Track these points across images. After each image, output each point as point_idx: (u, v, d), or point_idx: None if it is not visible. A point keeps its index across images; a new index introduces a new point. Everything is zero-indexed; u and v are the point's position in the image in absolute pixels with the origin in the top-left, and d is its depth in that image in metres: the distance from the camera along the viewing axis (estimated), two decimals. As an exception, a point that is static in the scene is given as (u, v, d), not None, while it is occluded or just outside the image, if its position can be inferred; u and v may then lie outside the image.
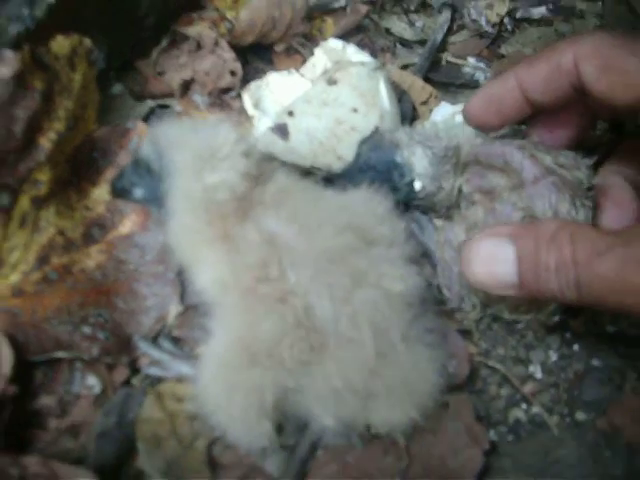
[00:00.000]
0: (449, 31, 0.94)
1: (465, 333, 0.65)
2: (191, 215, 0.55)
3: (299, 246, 0.52)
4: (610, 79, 0.53)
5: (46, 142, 0.62)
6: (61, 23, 0.69)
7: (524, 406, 0.63)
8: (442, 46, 0.92)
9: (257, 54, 0.86)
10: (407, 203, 0.64)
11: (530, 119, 0.63)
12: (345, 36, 0.88)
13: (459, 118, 0.74)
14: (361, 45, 0.88)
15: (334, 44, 0.76)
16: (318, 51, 0.77)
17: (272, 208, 0.54)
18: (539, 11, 0.99)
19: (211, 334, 0.56)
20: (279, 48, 0.86)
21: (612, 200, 0.59)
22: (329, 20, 0.90)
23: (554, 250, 0.47)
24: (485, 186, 0.62)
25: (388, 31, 0.93)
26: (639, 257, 0.44)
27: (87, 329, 0.62)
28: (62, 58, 0.64)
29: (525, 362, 0.65)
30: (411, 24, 0.94)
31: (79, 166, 0.68)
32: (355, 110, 0.69)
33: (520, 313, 0.63)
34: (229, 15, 0.88)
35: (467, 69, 0.90)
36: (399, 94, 0.79)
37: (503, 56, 0.94)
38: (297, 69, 0.80)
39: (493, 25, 0.95)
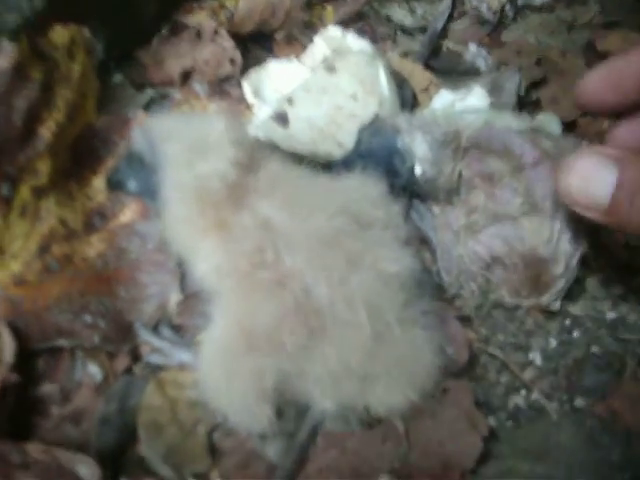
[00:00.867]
0: (450, 18, 0.94)
1: (465, 319, 0.65)
2: (184, 205, 0.56)
3: (294, 230, 0.53)
4: None
5: (46, 132, 0.63)
6: (60, 13, 0.69)
7: (523, 392, 0.63)
8: (443, 33, 0.92)
9: (257, 42, 0.86)
10: (408, 189, 0.64)
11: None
12: (345, 23, 0.88)
13: (459, 105, 0.74)
14: (361, 32, 0.88)
15: (334, 32, 0.76)
16: (318, 39, 0.77)
17: (265, 195, 0.55)
18: (541, -2, 0.99)
19: (211, 321, 0.56)
20: (279, 36, 0.86)
21: None
22: (329, 7, 0.90)
23: None
24: (485, 170, 0.62)
25: (388, 18, 0.93)
26: None
27: (88, 317, 0.62)
28: (61, 48, 0.64)
29: (525, 349, 0.65)
30: (412, 11, 0.94)
31: (80, 155, 0.69)
32: (354, 97, 0.69)
33: (521, 298, 0.64)
34: (228, 4, 0.87)
35: (468, 56, 0.90)
36: (399, 81, 0.79)
37: (504, 43, 0.93)
38: (297, 57, 0.80)
39: (494, 12, 0.94)
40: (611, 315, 0.67)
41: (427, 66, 0.86)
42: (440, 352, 0.58)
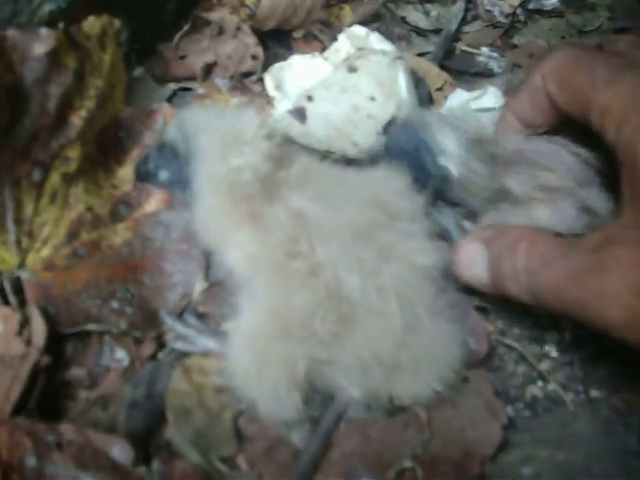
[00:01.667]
0: (463, 21, 0.96)
1: (483, 311, 0.66)
2: (217, 197, 0.57)
3: (326, 222, 0.54)
4: (565, 95, 0.56)
5: (77, 119, 0.64)
6: (90, 3, 0.70)
7: (540, 383, 0.64)
8: (456, 35, 0.94)
9: (276, 39, 0.88)
10: (437, 189, 0.62)
11: None
12: (362, 24, 0.89)
13: (474, 104, 0.76)
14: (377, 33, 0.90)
15: (358, 31, 0.78)
16: (342, 37, 0.79)
17: (297, 188, 0.56)
18: (551, 2, 1.01)
19: (240, 310, 0.57)
20: (298, 34, 0.88)
21: None
22: (347, 7, 0.91)
23: (510, 258, 0.53)
24: (545, 185, 0.62)
25: (404, 20, 0.94)
26: (573, 271, 0.48)
27: (115, 303, 0.63)
28: (93, 38, 0.65)
29: (540, 342, 0.67)
30: (426, 13, 0.96)
31: (106, 145, 0.70)
32: (373, 98, 0.70)
33: None
34: (248, 2, 0.89)
35: (481, 58, 0.92)
36: (416, 81, 0.80)
37: (516, 46, 0.95)
38: (319, 53, 0.82)
39: (506, 16, 0.96)
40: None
41: (441, 67, 0.88)
42: (462, 343, 0.59)
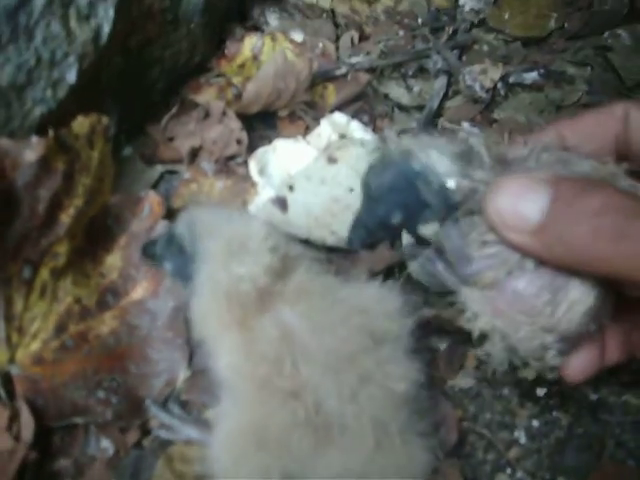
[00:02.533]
0: (445, 96, 0.99)
1: (456, 398, 0.69)
2: (214, 300, 0.59)
3: (313, 343, 0.56)
4: None
5: (66, 218, 0.67)
6: (79, 99, 0.73)
7: (509, 471, 0.67)
8: (438, 111, 0.97)
9: (261, 119, 0.91)
10: (446, 212, 0.51)
11: None
12: (345, 103, 0.93)
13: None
14: (360, 111, 0.93)
15: (339, 118, 0.81)
16: (324, 122, 0.82)
17: (290, 302, 0.58)
18: (531, 76, 1.04)
19: (224, 412, 0.60)
20: (283, 113, 0.91)
21: None
22: (330, 87, 0.94)
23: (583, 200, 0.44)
24: None
25: (387, 96, 0.98)
26: None
27: (101, 393, 0.66)
28: (82, 137, 0.68)
29: (510, 427, 0.69)
30: (409, 89, 0.99)
31: (94, 234, 0.73)
32: (352, 190, 0.73)
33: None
34: (235, 81, 0.92)
35: (462, 134, 0.95)
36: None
37: (496, 121, 0.98)
38: (301, 135, 0.85)
39: (487, 90, 0.99)
40: (592, 397, 0.71)
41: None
42: (432, 434, 0.62)
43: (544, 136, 0.55)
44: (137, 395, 0.67)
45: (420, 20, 1.14)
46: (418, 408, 0.59)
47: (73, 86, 0.71)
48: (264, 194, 0.78)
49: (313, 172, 0.75)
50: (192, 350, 0.70)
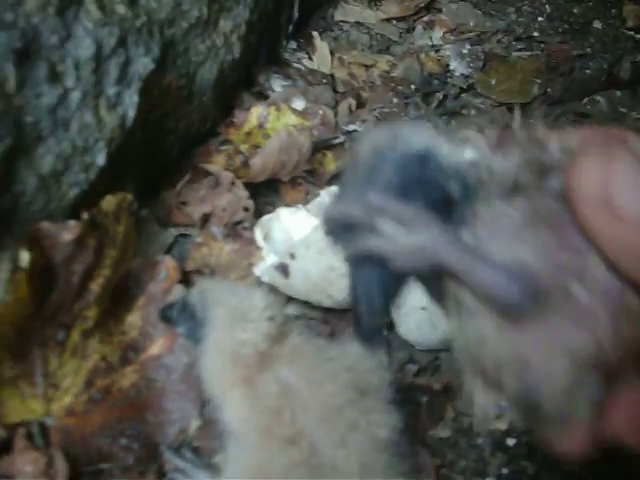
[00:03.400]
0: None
1: (435, 446, 0.79)
2: (220, 360, 0.70)
3: (307, 397, 0.67)
4: None
5: (96, 286, 0.77)
6: (107, 176, 0.83)
7: (481, 513, 0.77)
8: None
9: (266, 185, 1.01)
10: (472, 198, 0.38)
11: None
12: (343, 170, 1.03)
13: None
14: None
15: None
16: (323, 193, 0.92)
17: (287, 362, 0.69)
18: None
19: (231, 457, 0.69)
20: (285, 179, 1.01)
21: None
22: (329, 155, 1.05)
23: None
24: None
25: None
26: None
27: (124, 441, 0.76)
28: (110, 214, 0.78)
29: (483, 474, 0.79)
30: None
31: (116, 296, 0.83)
32: (347, 260, 0.83)
33: None
34: (242, 148, 1.03)
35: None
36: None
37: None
38: (302, 199, 0.96)
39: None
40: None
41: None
42: (412, 475, 0.72)
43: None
44: (154, 441, 0.77)
45: (413, 86, 1.24)
46: (400, 451, 0.68)
47: (102, 168, 0.81)
48: (268, 260, 0.88)
49: (312, 242, 0.85)
50: (203, 401, 0.79)
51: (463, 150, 0.39)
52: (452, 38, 1.37)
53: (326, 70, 1.25)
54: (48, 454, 0.72)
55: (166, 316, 0.76)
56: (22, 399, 0.73)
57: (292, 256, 0.85)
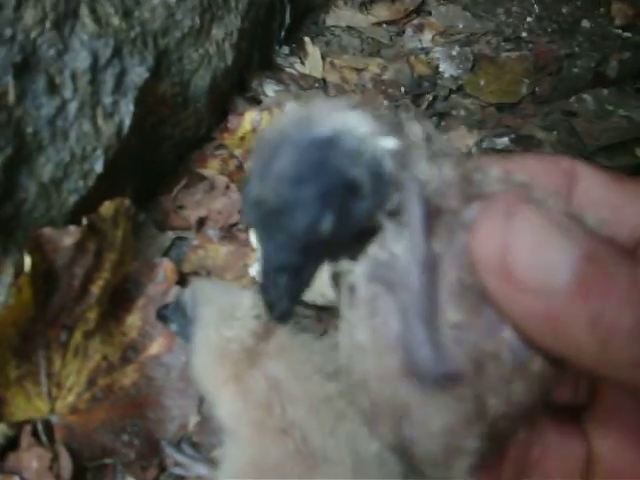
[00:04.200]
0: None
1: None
2: (209, 357, 0.72)
3: (295, 390, 0.70)
4: None
5: (96, 289, 0.80)
6: (104, 182, 0.86)
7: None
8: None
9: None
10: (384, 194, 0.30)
11: None
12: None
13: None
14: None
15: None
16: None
17: (274, 358, 0.72)
18: (502, 141, 1.17)
19: (227, 451, 0.72)
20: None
21: None
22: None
23: None
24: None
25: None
26: None
27: (125, 437, 0.79)
28: (108, 219, 0.81)
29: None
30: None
31: (116, 298, 0.86)
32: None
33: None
34: (236, 152, 1.06)
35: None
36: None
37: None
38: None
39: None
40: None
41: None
42: (405, 469, 0.74)
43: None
44: (155, 437, 0.80)
45: (403, 88, 1.27)
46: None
47: (100, 174, 0.84)
48: (262, 259, 0.91)
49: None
50: (201, 398, 0.82)
51: (389, 136, 0.30)
52: (442, 40, 1.40)
53: (318, 74, 1.28)
54: (53, 450, 0.75)
55: (162, 315, 0.79)
56: (27, 398, 0.76)
57: (285, 256, 0.88)
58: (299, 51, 1.32)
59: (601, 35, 1.49)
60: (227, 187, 0.97)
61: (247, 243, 0.96)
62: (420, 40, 1.41)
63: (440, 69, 1.34)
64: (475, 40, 1.43)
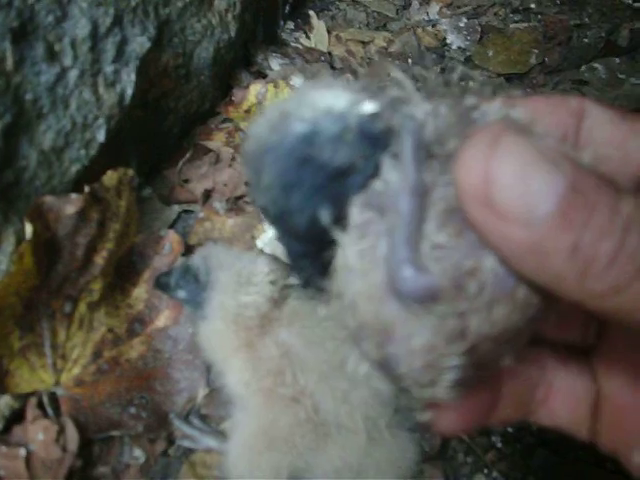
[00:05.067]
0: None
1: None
2: (223, 324, 0.71)
3: (307, 356, 0.68)
4: None
5: (100, 259, 0.78)
6: (107, 153, 0.85)
7: (486, 471, 0.78)
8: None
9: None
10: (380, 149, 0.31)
11: None
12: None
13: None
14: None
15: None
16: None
17: (286, 324, 0.70)
18: (510, 111, 1.15)
19: (237, 422, 0.71)
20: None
21: None
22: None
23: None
24: None
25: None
26: None
27: (133, 409, 0.77)
28: (112, 189, 0.79)
29: (488, 433, 0.80)
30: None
31: (122, 270, 0.84)
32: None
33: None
34: (242, 125, 1.04)
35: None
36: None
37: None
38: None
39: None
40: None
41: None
42: (418, 439, 0.73)
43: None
44: (163, 410, 0.78)
45: (410, 61, 1.25)
46: (404, 407, 0.69)
47: (102, 144, 0.82)
48: (270, 231, 0.89)
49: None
50: (209, 370, 0.81)
51: (369, 100, 0.31)
52: (449, 12, 1.38)
53: (323, 48, 1.26)
54: (59, 423, 0.73)
55: (161, 283, 0.77)
56: (32, 370, 0.75)
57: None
58: (304, 25, 1.30)
59: (611, 5, 1.46)
60: (233, 159, 0.95)
61: (254, 215, 0.94)
62: (427, 12, 1.38)
63: (447, 41, 1.32)
64: (482, 12, 1.40)
